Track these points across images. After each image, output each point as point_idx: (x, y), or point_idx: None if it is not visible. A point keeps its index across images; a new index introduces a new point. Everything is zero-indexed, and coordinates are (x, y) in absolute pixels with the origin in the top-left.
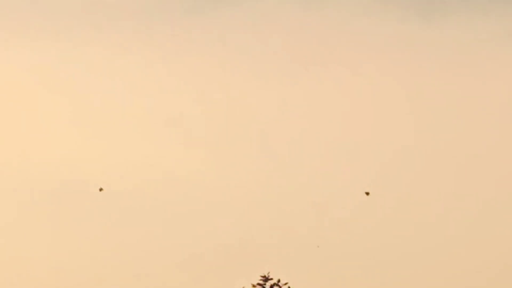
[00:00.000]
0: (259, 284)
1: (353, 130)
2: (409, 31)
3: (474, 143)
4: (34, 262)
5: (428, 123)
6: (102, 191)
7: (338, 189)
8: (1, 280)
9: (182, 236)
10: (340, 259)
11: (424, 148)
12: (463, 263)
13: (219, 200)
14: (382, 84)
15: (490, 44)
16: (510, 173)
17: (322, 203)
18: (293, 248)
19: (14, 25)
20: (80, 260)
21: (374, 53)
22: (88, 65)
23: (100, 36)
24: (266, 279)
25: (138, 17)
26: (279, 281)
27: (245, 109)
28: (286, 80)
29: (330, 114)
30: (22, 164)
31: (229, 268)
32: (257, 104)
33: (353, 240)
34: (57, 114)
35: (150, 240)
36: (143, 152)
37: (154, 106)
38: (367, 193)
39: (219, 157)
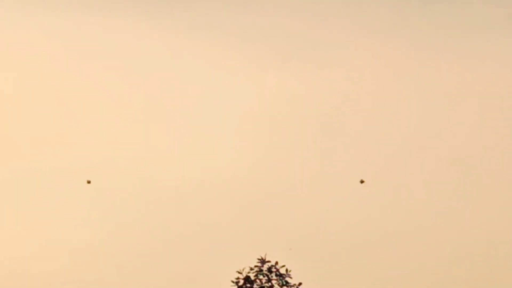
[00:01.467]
0: (256, 266)
1: (349, 116)
2: (406, 15)
3: (470, 131)
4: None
5: (424, 108)
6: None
7: (333, 175)
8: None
9: (181, 219)
10: (335, 245)
11: (420, 135)
12: (454, 252)
13: (216, 187)
14: (379, 68)
15: (487, 28)
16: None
17: (317, 189)
18: (289, 234)
19: None
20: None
21: (371, 37)
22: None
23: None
24: (263, 261)
25: None
26: (276, 263)
27: (241, 93)
28: (282, 64)
29: (325, 98)
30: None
31: (227, 251)
32: (252, 88)
33: (348, 227)
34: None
35: (148, 228)
36: (137, 137)
37: (152, 89)
38: (362, 181)
39: (215, 142)
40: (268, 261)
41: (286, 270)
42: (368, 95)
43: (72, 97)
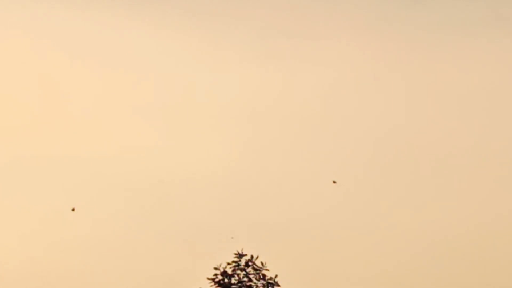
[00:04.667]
0: (234, 261)
1: (333, 112)
2: (394, 10)
3: (454, 131)
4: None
5: (409, 105)
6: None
7: (315, 171)
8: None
9: (159, 214)
10: (310, 241)
11: (405, 133)
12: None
13: (194, 182)
14: (365, 64)
15: (477, 27)
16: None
17: (297, 185)
18: (265, 230)
19: None
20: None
21: (357, 32)
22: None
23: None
24: (240, 255)
25: None
26: (252, 257)
27: (222, 88)
28: (265, 59)
29: (308, 94)
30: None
31: (204, 247)
32: (234, 83)
33: (323, 222)
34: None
35: (126, 223)
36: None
37: (134, 83)
38: (334, 182)
39: (193, 137)
40: (245, 255)
41: (262, 263)
42: (353, 91)
43: (58, 90)
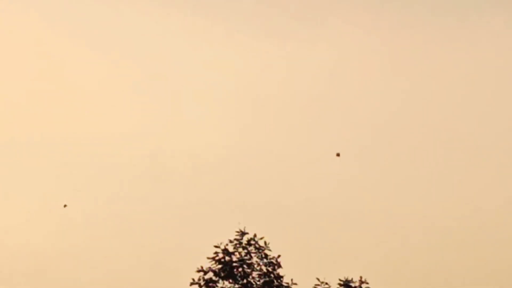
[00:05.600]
0: (236, 239)
1: (335, 92)
2: None
3: (455, 111)
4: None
5: (410, 85)
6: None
7: (316, 150)
8: None
9: (161, 193)
10: (312, 219)
11: (406, 112)
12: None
13: (197, 162)
14: (367, 44)
15: (479, 7)
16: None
17: (300, 164)
18: (266, 207)
19: None
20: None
21: (362, 11)
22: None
23: None
24: (242, 233)
25: None
26: (255, 236)
27: (224, 68)
28: (267, 38)
29: (310, 74)
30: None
31: (206, 224)
32: (236, 62)
33: (325, 200)
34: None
35: (128, 202)
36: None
37: (135, 62)
38: (338, 154)
39: (197, 117)
40: (247, 233)
41: (265, 243)
42: (355, 72)
43: (54, 73)
